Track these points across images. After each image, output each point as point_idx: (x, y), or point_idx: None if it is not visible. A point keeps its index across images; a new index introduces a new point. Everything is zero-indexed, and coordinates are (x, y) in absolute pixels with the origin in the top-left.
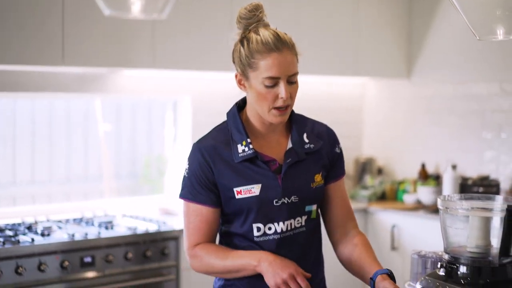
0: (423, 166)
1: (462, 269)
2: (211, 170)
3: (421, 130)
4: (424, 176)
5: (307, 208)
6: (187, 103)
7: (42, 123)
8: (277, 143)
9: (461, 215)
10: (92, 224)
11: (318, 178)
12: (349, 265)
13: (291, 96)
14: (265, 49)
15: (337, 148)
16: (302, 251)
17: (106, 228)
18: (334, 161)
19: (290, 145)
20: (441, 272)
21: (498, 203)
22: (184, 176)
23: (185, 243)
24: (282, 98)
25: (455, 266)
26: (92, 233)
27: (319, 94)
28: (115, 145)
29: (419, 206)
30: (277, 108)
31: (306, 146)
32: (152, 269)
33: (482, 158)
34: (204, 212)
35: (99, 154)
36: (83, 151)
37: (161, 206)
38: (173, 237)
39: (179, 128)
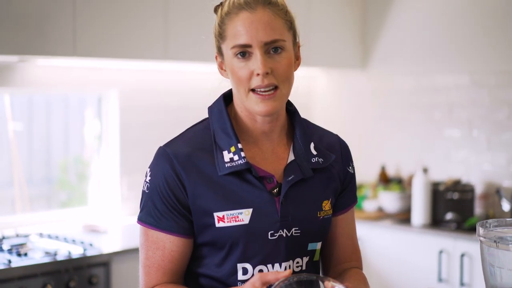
0: (383, 168)
1: None
2: (182, 186)
3: (379, 127)
4: (385, 179)
5: (310, 246)
6: (114, 99)
7: None
8: (273, 154)
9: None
10: (1, 249)
11: (327, 206)
12: None
13: (275, 73)
14: (234, 9)
15: (350, 167)
16: None
17: (18, 254)
18: (345, 185)
19: (292, 157)
20: None
21: None
22: (144, 192)
23: (140, 286)
24: (258, 74)
25: None
26: (0, 261)
27: None
28: (27, 146)
29: (381, 214)
30: (257, 91)
31: (314, 159)
32: None
33: (450, 159)
34: (168, 244)
35: (9, 157)
36: None
37: (85, 222)
38: (102, 263)
39: (104, 127)
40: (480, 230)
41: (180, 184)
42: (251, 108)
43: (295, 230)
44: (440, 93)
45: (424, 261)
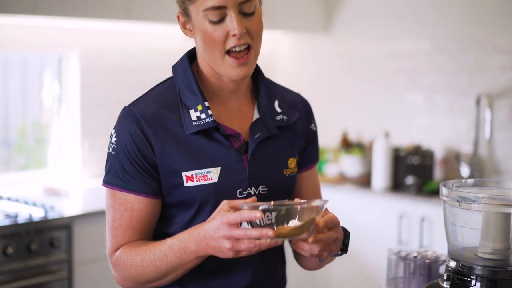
0: (344, 133)
1: (478, 284)
2: (150, 145)
3: (341, 92)
4: (346, 144)
5: None
6: (74, 60)
7: None
8: (239, 112)
9: (476, 210)
10: None
11: (293, 163)
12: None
13: (250, 33)
14: None
15: (313, 125)
16: (263, 254)
17: None
18: (308, 142)
19: (257, 115)
20: (446, 285)
21: None
22: (109, 154)
23: (107, 248)
24: (234, 35)
25: (468, 279)
26: None
27: None
28: None
29: (342, 178)
30: (233, 54)
31: (278, 117)
32: (39, 265)
33: (411, 124)
34: (136, 205)
35: None
36: None
37: (45, 184)
38: (63, 225)
39: (64, 89)
40: (443, 190)
41: (148, 143)
42: (225, 72)
43: (262, 188)
44: (403, 59)
45: (385, 224)
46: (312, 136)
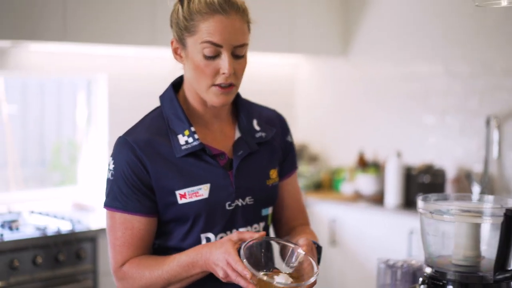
0: (361, 153)
1: (450, 287)
2: (145, 169)
3: (358, 113)
4: (363, 163)
5: (264, 212)
6: (103, 83)
7: None
8: (222, 133)
9: (448, 220)
10: None
11: (274, 174)
12: None
13: (236, 74)
14: (208, 10)
15: (289, 137)
16: None
17: (10, 228)
18: (286, 153)
19: (238, 134)
20: None
21: (489, 206)
22: (108, 179)
23: (111, 264)
24: (224, 73)
25: (440, 283)
26: None
27: (246, 75)
28: (20, 129)
29: (357, 196)
30: (218, 85)
31: (258, 134)
32: (66, 275)
33: (424, 144)
34: (136, 224)
35: (4, 139)
36: None
37: (74, 200)
38: (89, 238)
39: (93, 111)
40: (420, 203)
41: (143, 168)
42: (209, 99)
43: (249, 199)
44: (416, 81)
45: (396, 239)
46: (289, 148)
